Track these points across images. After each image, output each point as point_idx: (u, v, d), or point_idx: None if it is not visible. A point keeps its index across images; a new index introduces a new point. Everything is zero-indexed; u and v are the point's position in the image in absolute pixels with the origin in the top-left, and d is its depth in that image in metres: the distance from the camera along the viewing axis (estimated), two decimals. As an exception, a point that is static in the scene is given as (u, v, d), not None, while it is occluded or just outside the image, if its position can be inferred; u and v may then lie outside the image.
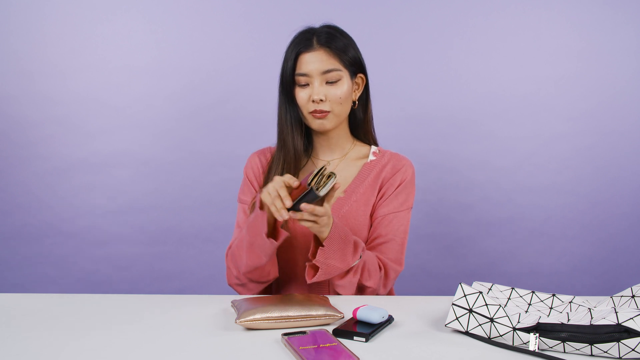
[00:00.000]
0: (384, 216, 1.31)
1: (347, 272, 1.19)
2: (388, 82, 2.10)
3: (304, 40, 1.27)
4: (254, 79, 2.10)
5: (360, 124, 1.40)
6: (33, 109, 2.15)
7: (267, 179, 1.34)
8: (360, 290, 1.25)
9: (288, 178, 1.08)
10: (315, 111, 1.27)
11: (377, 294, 1.28)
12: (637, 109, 2.17)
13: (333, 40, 1.27)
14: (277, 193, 1.07)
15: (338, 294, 1.25)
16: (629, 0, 2.13)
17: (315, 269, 1.17)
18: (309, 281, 1.17)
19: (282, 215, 1.05)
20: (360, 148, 1.41)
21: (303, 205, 1.04)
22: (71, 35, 2.15)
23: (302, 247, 1.30)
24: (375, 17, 2.14)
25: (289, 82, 1.29)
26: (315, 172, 1.04)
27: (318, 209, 1.05)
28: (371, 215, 1.33)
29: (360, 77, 1.34)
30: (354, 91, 1.33)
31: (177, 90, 2.17)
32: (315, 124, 1.29)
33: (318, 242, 1.17)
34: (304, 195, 1.05)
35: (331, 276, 1.17)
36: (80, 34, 2.15)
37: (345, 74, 1.28)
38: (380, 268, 1.26)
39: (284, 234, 1.17)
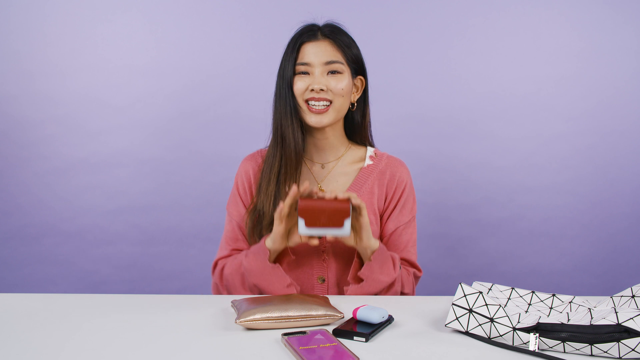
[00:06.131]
0: (396, 228, 1.31)
1: (392, 284, 1.21)
2: (388, 82, 2.09)
3: (308, 32, 1.25)
4: (254, 79, 2.10)
5: (357, 128, 1.35)
6: (33, 109, 2.15)
7: (260, 181, 1.29)
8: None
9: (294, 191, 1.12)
10: (312, 99, 1.22)
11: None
12: (637, 109, 2.17)
13: (338, 34, 1.26)
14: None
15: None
16: (629, 0, 2.13)
17: (357, 281, 1.19)
18: (347, 293, 1.19)
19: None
20: (356, 151, 1.36)
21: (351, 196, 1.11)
22: (71, 35, 2.15)
23: (304, 254, 1.27)
24: (375, 17, 2.14)
25: (290, 73, 1.24)
26: None
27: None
28: (381, 222, 1.33)
29: (360, 79, 1.30)
30: (353, 93, 1.29)
31: (177, 90, 2.17)
32: (312, 119, 1.23)
33: (359, 260, 1.20)
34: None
35: (372, 290, 1.19)
36: (80, 34, 2.15)
37: (346, 70, 1.25)
38: (409, 274, 1.29)
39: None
